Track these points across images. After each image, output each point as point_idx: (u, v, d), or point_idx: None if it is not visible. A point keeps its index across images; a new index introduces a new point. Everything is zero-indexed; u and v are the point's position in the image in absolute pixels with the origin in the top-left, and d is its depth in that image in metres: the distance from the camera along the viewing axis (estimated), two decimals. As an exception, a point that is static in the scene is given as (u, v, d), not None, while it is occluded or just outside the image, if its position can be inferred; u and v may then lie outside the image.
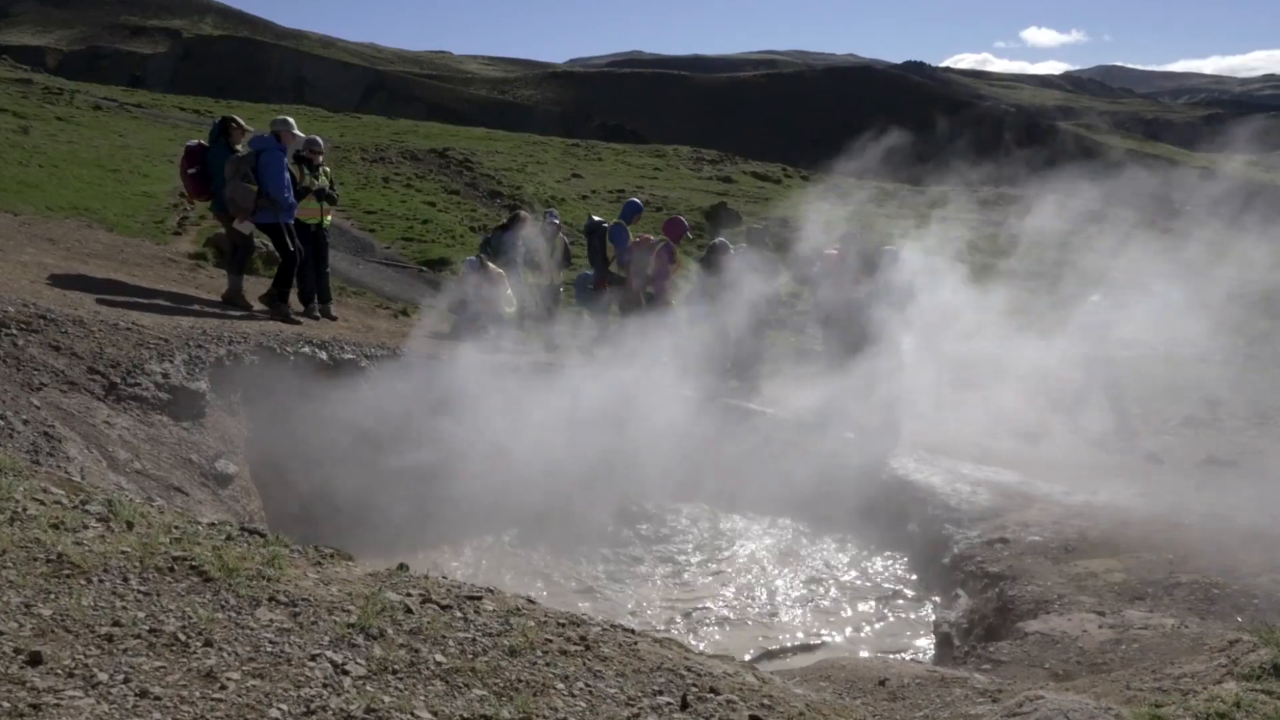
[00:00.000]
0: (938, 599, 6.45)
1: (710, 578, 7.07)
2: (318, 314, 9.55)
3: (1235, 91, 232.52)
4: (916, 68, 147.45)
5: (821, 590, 6.87)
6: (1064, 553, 6.05)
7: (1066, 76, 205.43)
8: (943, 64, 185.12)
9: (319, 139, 9.81)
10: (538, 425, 8.61)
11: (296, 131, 9.27)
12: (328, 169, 9.90)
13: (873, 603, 6.68)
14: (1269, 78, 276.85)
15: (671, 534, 7.85)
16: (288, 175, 8.99)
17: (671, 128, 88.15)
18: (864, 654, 5.81)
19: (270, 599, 2.81)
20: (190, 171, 9.16)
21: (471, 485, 7.52)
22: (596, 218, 12.17)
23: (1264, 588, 4.85)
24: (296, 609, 2.79)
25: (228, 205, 8.99)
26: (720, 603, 6.60)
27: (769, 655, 5.79)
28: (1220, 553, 5.70)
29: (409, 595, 3.05)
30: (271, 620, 2.69)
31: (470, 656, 2.73)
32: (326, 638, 2.65)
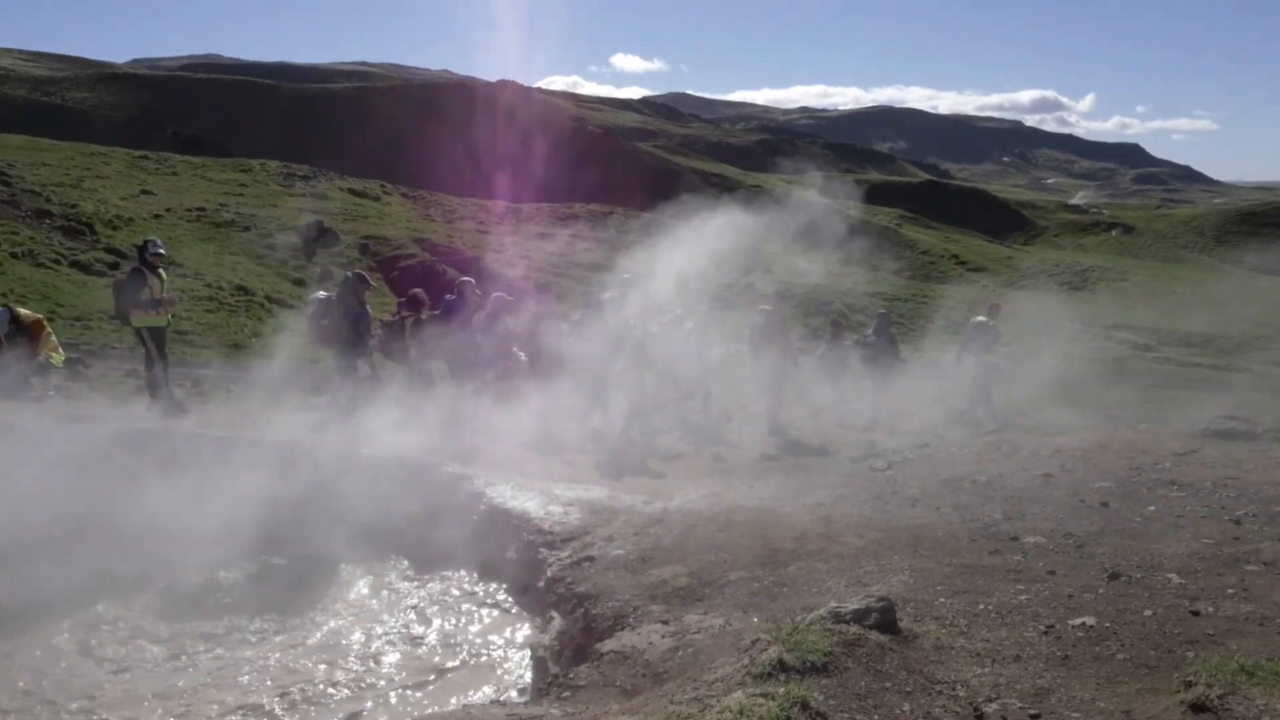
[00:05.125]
0: (536, 624, 6.73)
1: (301, 636, 6.74)
2: None
3: (780, 120, 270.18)
4: (510, 87, 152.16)
5: (421, 632, 6.85)
6: (641, 563, 6.60)
7: (645, 101, 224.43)
8: (537, 84, 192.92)
9: None
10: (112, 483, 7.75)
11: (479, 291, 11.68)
12: None
13: (475, 635, 6.81)
14: (804, 109, 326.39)
15: (263, 591, 7.38)
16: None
17: (258, 140, 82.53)
18: (473, 695, 5.92)
19: None
20: (324, 323, 10.43)
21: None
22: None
23: (791, 576, 5.69)
24: None
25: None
26: (313, 662, 6.32)
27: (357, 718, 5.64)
28: (764, 545, 6.59)
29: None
30: None
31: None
32: None
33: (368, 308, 10.71)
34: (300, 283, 33.02)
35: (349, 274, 11.05)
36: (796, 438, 12.65)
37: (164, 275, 10.48)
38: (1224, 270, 77.15)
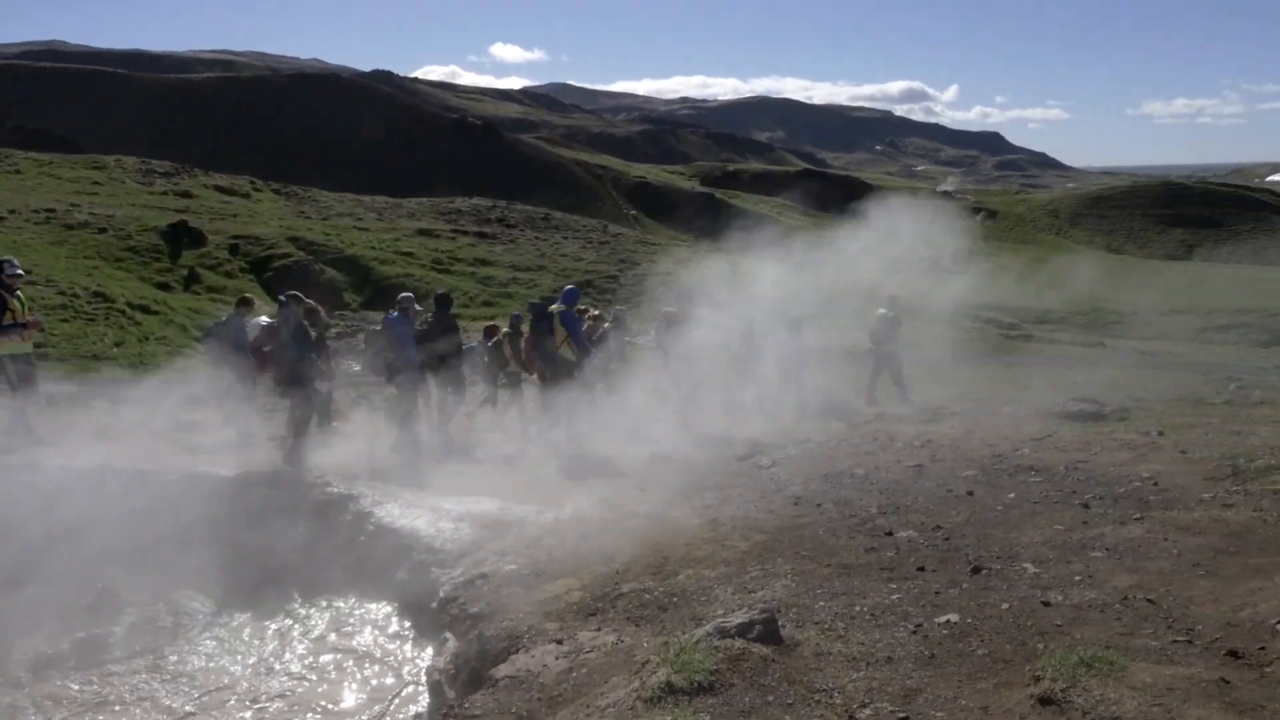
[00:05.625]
0: (431, 647, 6.73)
1: (183, 683, 6.55)
2: None
3: (660, 110, 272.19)
4: (385, 77, 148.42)
5: (313, 664, 6.76)
6: (535, 578, 6.66)
7: (525, 92, 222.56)
8: (412, 74, 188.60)
9: None
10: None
11: (417, 307, 11.45)
12: None
13: (368, 663, 6.77)
14: (685, 99, 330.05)
15: (141, 634, 7.13)
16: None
17: (112, 134, 78.17)
18: None
19: None
20: (267, 349, 10.57)
21: None
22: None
23: (681, 585, 5.86)
24: None
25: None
26: (198, 711, 6.16)
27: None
28: (655, 553, 6.74)
29: None
30: None
31: None
32: None
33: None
34: (165, 287, 31.55)
35: (284, 296, 10.68)
36: (691, 435, 12.80)
37: (23, 297, 9.95)
38: (1077, 250, 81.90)
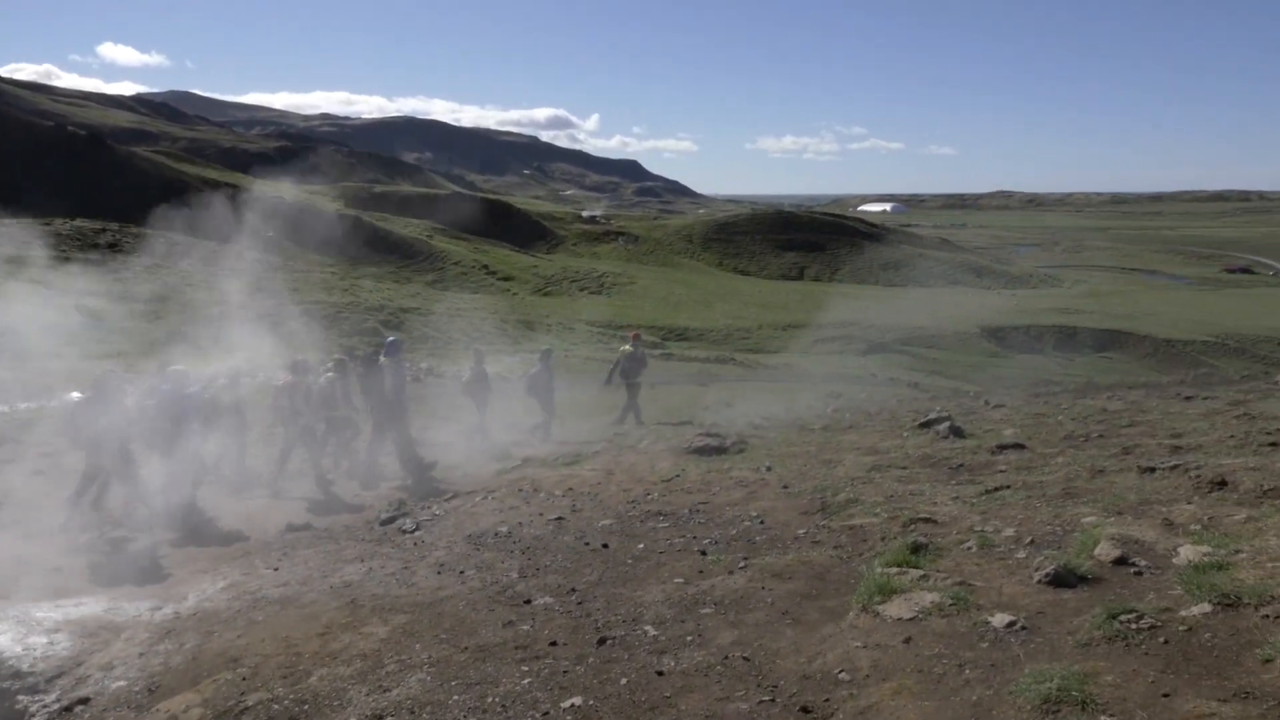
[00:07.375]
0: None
1: None
2: None
3: (300, 126, 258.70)
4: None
5: None
6: (148, 695, 6.02)
7: (140, 99, 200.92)
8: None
9: None
10: None
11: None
12: None
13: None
14: (326, 116, 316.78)
15: None
16: None
17: None
18: None
19: None
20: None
21: None
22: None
23: (313, 689, 5.58)
24: None
25: None
26: None
27: None
28: (287, 650, 6.36)
29: None
30: None
31: None
32: None
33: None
34: None
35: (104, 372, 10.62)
36: (338, 493, 12.24)
37: None
38: (709, 272, 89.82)
